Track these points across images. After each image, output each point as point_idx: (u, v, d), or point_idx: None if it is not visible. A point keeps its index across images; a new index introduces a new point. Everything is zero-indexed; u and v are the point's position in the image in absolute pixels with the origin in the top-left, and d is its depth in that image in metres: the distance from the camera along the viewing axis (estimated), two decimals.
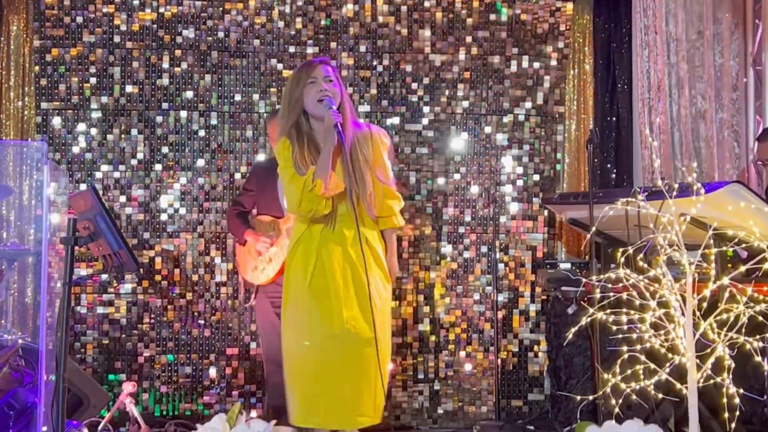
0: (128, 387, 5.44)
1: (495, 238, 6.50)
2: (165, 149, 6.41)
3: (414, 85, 6.54)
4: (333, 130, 3.87)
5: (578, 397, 4.35)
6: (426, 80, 6.56)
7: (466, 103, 6.58)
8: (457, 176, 6.54)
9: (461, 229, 6.51)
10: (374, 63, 6.52)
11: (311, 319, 3.99)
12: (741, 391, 3.46)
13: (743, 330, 3.41)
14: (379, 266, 4.09)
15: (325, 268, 4.00)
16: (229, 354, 6.32)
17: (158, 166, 6.40)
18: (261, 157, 6.40)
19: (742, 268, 3.49)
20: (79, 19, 6.38)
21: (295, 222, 4.17)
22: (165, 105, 6.42)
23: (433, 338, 6.46)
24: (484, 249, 6.52)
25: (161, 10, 6.44)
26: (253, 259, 5.40)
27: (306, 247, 4.04)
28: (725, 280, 3.40)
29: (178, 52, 6.43)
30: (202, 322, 6.32)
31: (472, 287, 6.49)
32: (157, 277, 6.34)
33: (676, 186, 3.65)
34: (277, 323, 5.27)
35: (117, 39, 6.40)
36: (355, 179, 3.95)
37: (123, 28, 6.40)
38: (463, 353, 6.46)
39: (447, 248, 6.51)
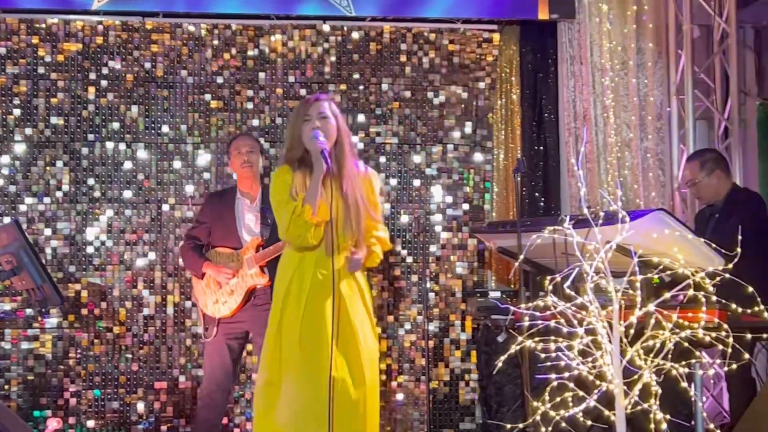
0: (53, 423, 5.34)
1: (425, 268, 6.51)
2: (91, 181, 6.32)
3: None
4: (320, 158, 3.95)
5: (509, 426, 4.34)
6: (355, 110, 6.56)
7: (394, 134, 6.59)
8: (387, 206, 6.52)
9: (391, 259, 6.50)
10: (303, 93, 6.51)
11: (297, 375, 4.02)
12: (668, 416, 3.51)
13: (669, 356, 3.45)
14: (364, 304, 4.18)
15: (315, 314, 4.02)
16: (158, 388, 6.23)
17: (84, 199, 6.31)
18: (190, 188, 6.36)
19: (667, 295, 3.54)
20: (2, 50, 6.29)
21: (288, 252, 4.20)
22: (91, 136, 6.35)
23: None
24: (414, 278, 6.52)
25: (86, 41, 6.38)
26: (213, 292, 5.34)
27: (298, 285, 4.08)
28: (651, 307, 3.44)
29: (104, 83, 6.37)
30: (129, 356, 6.23)
31: (403, 316, 6.48)
32: (83, 311, 6.23)
33: (602, 214, 3.70)
34: (226, 359, 5.27)
35: (41, 70, 6.33)
36: (349, 214, 4.08)
37: (48, 59, 6.33)
38: (394, 383, 6.43)
39: (377, 277, 6.49)
